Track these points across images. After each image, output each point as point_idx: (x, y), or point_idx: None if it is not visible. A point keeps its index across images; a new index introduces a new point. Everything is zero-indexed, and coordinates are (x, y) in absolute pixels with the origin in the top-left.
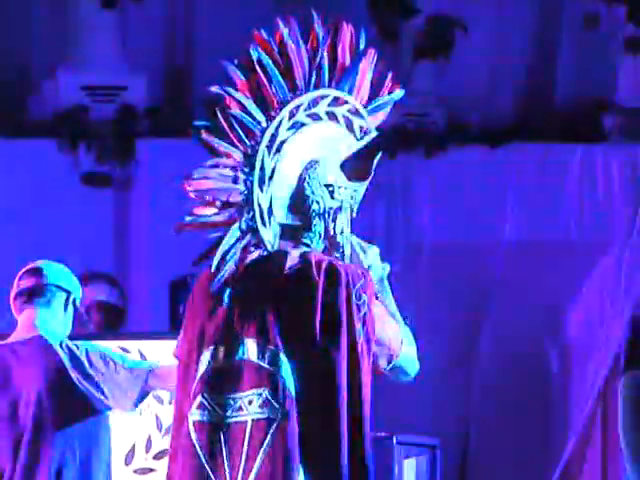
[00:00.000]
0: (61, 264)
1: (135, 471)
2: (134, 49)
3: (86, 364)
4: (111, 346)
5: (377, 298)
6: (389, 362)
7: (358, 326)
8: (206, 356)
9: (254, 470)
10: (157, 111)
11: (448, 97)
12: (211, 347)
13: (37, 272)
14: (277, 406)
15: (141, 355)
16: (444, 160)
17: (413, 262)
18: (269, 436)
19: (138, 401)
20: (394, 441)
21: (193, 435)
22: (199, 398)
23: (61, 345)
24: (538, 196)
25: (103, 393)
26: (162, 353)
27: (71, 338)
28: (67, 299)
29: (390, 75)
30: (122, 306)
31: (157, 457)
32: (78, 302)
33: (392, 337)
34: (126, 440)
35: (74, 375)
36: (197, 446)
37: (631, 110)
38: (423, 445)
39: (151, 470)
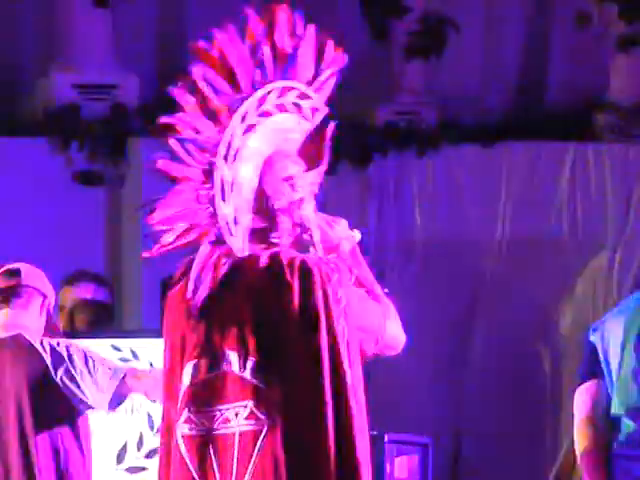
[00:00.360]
0: (37, 267)
1: (127, 469)
2: (126, 47)
3: (67, 362)
4: (103, 344)
5: (353, 275)
6: (376, 344)
7: (339, 323)
8: (188, 369)
9: None
10: (149, 109)
11: (440, 96)
12: (193, 361)
13: (15, 273)
14: (263, 417)
15: (133, 353)
16: (436, 159)
17: (405, 261)
18: (257, 448)
19: (115, 402)
20: (385, 439)
21: (183, 449)
22: (185, 412)
23: (42, 344)
24: (530, 195)
25: (83, 392)
26: (153, 351)
27: (65, 336)
28: (43, 303)
29: (331, 44)
30: (110, 303)
31: (149, 456)
32: (52, 307)
33: (375, 319)
34: (118, 439)
35: (55, 374)
36: (187, 460)
37: (623, 109)
38: (415, 444)
39: (143, 469)
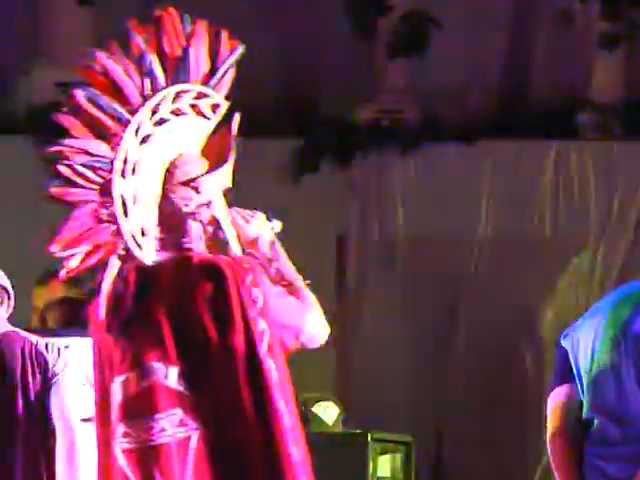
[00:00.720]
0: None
1: None
2: (109, 46)
3: (59, 362)
4: (83, 342)
5: (272, 268)
6: (297, 338)
7: (257, 323)
8: (117, 384)
9: None
10: None
11: (423, 94)
12: (121, 376)
13: None
14: (192, 423)
15: None
16: (419, 157)
17: (387, 259)
18: (192, 453)
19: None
20: (369, 438)
21: (123, 464)
22: (121, 427)
23: (38, 343)
24: (513, 193)
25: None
26: None
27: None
28: (8, 302)
29: (225, 37)
30: (82, 300)
31: None
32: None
33: (294, 314)
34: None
35: (52, 371)
36: (129, 474)
37: (605, 107)
38: (398, 442)
39: None
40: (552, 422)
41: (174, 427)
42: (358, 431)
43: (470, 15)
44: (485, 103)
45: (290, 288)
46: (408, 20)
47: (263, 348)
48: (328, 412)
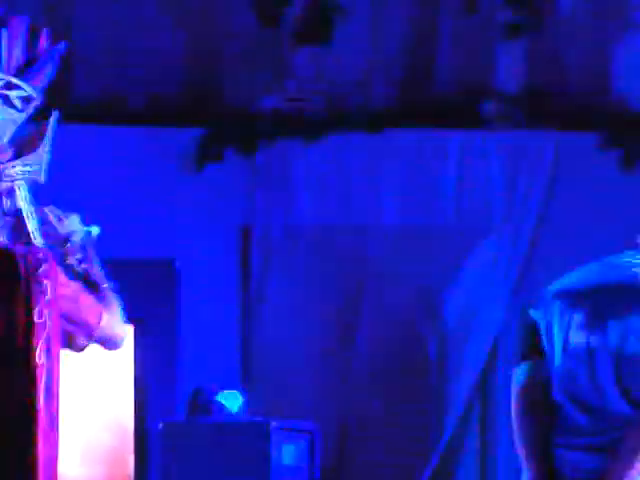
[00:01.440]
0: None
1: None
2: None
3: None
4: None
5: (74, 272)
6: (89, 337)
7: (41, 315)
8: None
9: None
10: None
11: (328, 82)
12: None
13: None
14: None
15: None
16: (323, 145)
17: (292, 246)
18: None
19: None
20: (272, 426)
21: None
22: None
23: None
24: (417, 181)
25: None
26: None
27: None
28: None
29: (45, 33)
30: None
31: None
32: None
33: (89, 313)
34: None
35: None
36: None
37: (509, 96)
38: (302, 430)
39: None
40: (517, 401)
41: None
42: (261, 419)
43: (375, 4)
44: (389, 92)
45: (94, 289)
46: (313, 9)
47: (39, 342)
48: (231, 400)
